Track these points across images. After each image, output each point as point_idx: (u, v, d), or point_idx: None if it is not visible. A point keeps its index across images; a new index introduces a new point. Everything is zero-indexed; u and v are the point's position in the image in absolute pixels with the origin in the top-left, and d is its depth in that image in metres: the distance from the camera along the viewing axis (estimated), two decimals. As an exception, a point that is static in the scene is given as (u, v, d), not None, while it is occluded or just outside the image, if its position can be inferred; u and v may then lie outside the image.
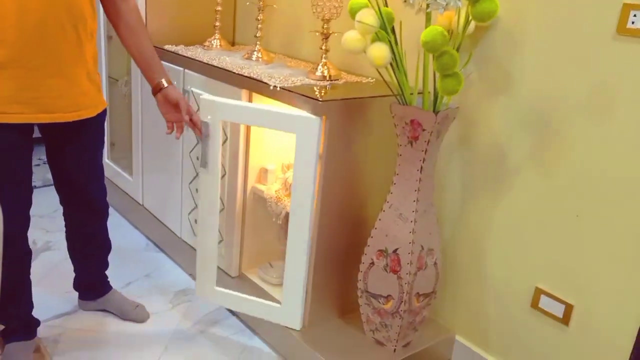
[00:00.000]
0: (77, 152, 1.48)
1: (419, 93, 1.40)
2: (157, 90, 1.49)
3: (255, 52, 1.85)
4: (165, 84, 1.48)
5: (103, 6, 1.47)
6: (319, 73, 1.64)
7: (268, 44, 2.13)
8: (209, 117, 1.53)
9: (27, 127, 1.34)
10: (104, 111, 1.49)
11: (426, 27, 1.29)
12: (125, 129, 2.45)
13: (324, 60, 1.66)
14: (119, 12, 1.44)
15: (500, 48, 1.43)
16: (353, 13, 1.37)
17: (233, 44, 2.29)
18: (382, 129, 1.55)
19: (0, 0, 1.19)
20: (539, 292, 1.43)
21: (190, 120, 1.51)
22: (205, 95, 1.58)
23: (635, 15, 1.19)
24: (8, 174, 1.35)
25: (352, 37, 1.32)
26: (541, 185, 1.41)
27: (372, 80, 1.71)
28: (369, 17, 1.29)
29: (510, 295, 1.51)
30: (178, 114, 1.50)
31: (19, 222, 1.41)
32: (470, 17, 1.22)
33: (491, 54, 1.45)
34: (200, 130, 1.53)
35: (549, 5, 1.32)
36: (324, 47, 1.66)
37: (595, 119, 1.28)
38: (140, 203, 2.30)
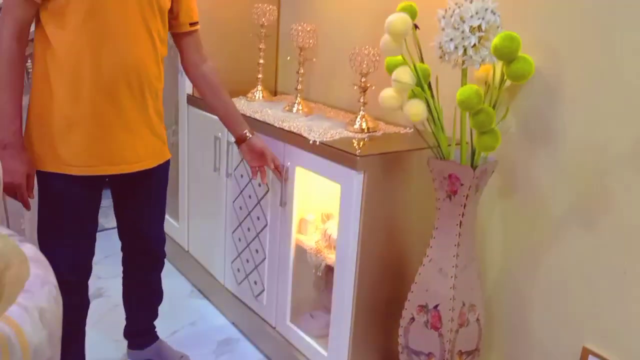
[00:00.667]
0: (140, 202, 1.60)
1: (456, 144, 1.41)
2: (241, 140, 1.62)
3: (295, 105, 1.92)
4: (249, 135, 1.61)
5: (184, 68, 1.61)
6: (357, 126, 1.69)
7: (309, 93, 2.21)
8: (288, 163, 1.67)
9: (95, 179, 1.45)
10: (167, 162, 1.60)
11: (462, 84, 1.32)
12: (172, 176, 2.56)
13: (362, 112, 1.71)
14: (201, 73, 1.60)
15: (538, 100, 1.43)
16: (390, 69, 1.41)
17: (275, 93, 2.38)
18: (421, 181, 1.57)
19: (78, 61, 1.33)
20: (586, 352, 1.38)
21: (274, 166, 1.64)
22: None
23: (678, 69, 1.18)
24: (76, 225, 1.46)
25: (389, 95, 1.36)
26: (587, 239, 1.38)
27: (410, 130, 1.75)
28: (405, 75, 1.33)
29: (556, 354, 1.47)
30: (262, 161, 1.63)
31: (82, 272, 1.51)
32: (505, 77, 1.24)
33: (530, 105, 1.46)
34: (281, 173, 1.67)
35: (589, 56, 1.33)
36: (362, 100, 1.71)
37: (642, 172, 1.26)
38: (186, 249, 2.39)
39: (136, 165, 1.48)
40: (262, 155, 1.62)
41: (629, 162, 1.28)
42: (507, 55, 1.18)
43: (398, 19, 1.29)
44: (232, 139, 1.94)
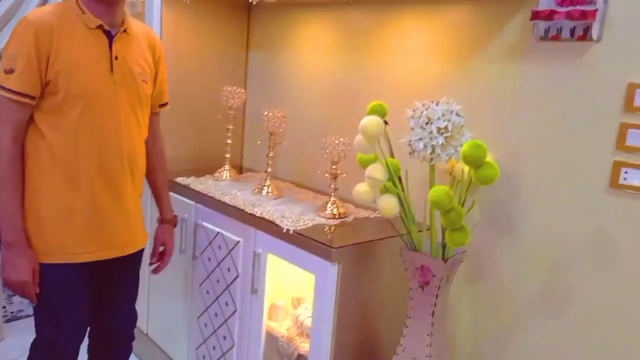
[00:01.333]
0: (121, 282, 1.65)
1: (427, 229, 1.49)
2: (169, 222, 1.75)
3: (265, 187, 1.97)
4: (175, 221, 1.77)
5: None
6: (328, 211, 1.75)
7: (278, 171, 2.27)
8: (260, 249, 1.68)
9: (91, 264, 1.49)
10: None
11: (430, 178, 1.42)
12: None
13: (332, 198, 1.77)
14: (153, 151, 1.68)
15: (501, 193, 1.55)
16: (363, 164, 1.50)
17: (241, 170, 2.43)
18: (394, 267, 1.63)
19: (76, 153, 1.40)
20: None
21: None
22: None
23: (626, 172, 1.31)
24: (69, 311, 1.49)
25: (363, 191, 1.44)
26: (552, 325, 1.46)
27: (379, 215, 1.82)
28: (377, 172, 1.41)
29: None
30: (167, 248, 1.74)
31: (73, 357, 1.53)
32: (473, 179, 1.34)
33: (493, 198, 1.57)
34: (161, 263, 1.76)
35: (544, 155, 1.46)
36: (332, 186, 1.78)
37: (599, 264, 1.37)
38: (145, 332, 2.32)
39: (132, 247, 1.57)
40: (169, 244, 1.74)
41: (587, 255, 1.39)
42: (475, 162, 1.29)
43: (372, 122, 1.38)
44: (200, 221, 1.96)
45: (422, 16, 1.74)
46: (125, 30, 1.47)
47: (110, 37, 1.44)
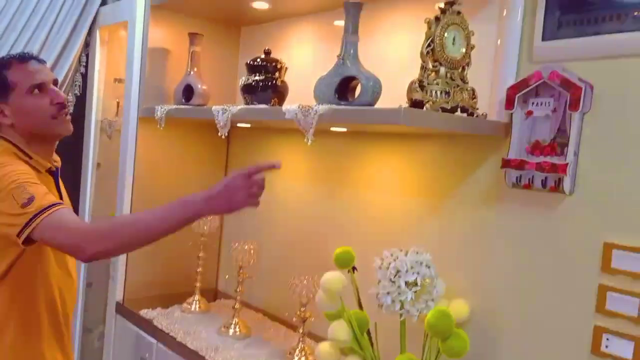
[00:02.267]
0: None
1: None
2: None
3: (232, 326, 1.86)
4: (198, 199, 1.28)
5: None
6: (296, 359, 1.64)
7: (251, 297, 2.16)
8: None
9: None
10: None
11: (401, 333, 1.33)
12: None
13: (300, 345, 1.67)
14: None
15: (476, 340, 1.44)
16: (328, 318, 1.41)
17: (215, 295, 2.33)
18: None
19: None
20: None
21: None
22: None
23: (608, 339, 1.22)
24: None
25: (325, 351, 1.34)
26: None
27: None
28: (341, 331, 1.32)
29: None
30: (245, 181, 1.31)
31: None
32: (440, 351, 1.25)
33: (470, 353, 1.46)
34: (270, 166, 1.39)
35: (521, 310, 1.37)
36: (301, 331, 1.68)
37: None
38: None
39: None
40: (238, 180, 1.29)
41: None
42: (442, 333, 1.20)
43: (333, 278, 1.32)
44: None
45: (396, 151, 1.72)
46: (57, 167, 1.44)
47: (55, 176, 1.41)
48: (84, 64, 2.49)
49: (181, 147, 2.27)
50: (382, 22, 1.73)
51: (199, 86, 2.03)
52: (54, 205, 1.22)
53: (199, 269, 2.12)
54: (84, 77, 2.50)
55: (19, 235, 1.19)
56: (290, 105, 1.47)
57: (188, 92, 2.06)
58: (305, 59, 2.00)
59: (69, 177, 2.53)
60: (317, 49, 1.97)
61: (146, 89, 2.14)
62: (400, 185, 1.70)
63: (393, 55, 1.71)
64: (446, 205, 1.57)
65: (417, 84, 1.32)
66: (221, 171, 2.40)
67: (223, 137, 1.71)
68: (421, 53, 1.33)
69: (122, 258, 2.15)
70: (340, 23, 1.77)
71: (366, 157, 1.81)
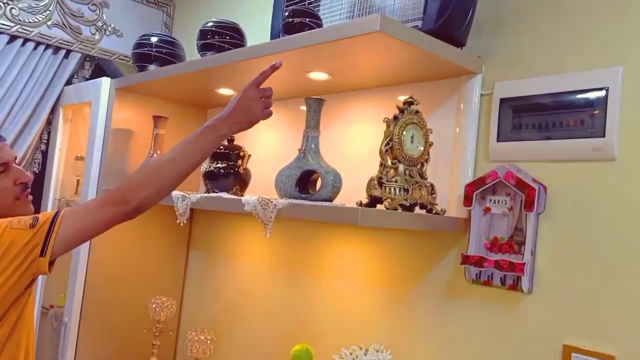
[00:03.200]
0: None
1: None
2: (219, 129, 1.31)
3: None
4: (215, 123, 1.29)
5: None
6: None
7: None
8: None
9: None
10: None
11: None
12: None
13: None
14: None
15: None
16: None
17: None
18: None
19: None
20: None
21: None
22: None
23: None
24: None
25: None
26: None
27: None
28: None
29: None
30: (254, 93, 1.30)
31: None
32: None
33: None
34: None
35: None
36: None
37: None
38: None
39: None
40: (249, 93, 1.29)
41: None
42: None
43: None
44: None
45: (358, 241, 1.72)
46: None
47: None
48: (45, 141, 2.47)
49: (141, 230, 2.22)
50: (344, 113, 1.78)
51: (161, 169, 2.03)
52: (58, 211, 1.20)
53: (153, 359, 2.03)
54: (44, 154, 2.48)
55: (43, 253, 1.15)
56: (249, 197, 1.47)
57: (150, 175, 2.04)
58: (271, 142, 2.03)
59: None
60: (283, 133, 2.00)
61: (107, 169, 2.12)
62: (361, 275, 1.69)
63: (354, 146, 1.74)
64: (408, 298, 1.56)
65: (375, 181, 1.35)
66: (182, 253, 2.35)
67: (181, 224, 1.69)
68: (380, 151, 1.36)
69: (72, 341, 2.04)
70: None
71: (328, 245, 1.81)
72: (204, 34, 1.78)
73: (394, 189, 1.34)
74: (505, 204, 1.39)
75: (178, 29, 2.70)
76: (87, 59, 2.51)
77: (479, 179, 1.41)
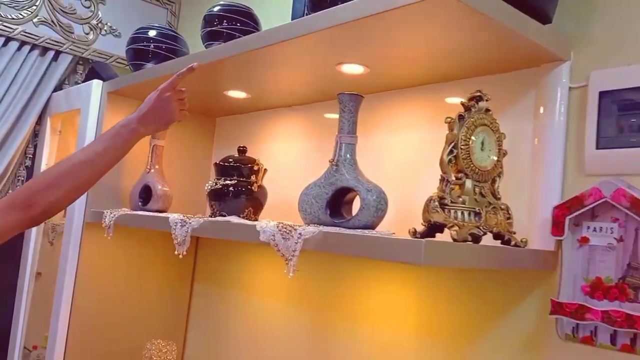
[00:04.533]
0: None
1: None
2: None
3: None
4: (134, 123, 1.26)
5: None
6: None
7: None
8: None
9: None
10: None
11: None
12: None
13: None
14: None
15: None
16: None
17: None
18: None
19: None
20: None
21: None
22: None
23: None
24: None
25: None
26: None
27: None
28: None
29: None
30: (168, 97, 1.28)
31: None
32: None
33: None
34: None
35: None
36: None
37: None
38: None
39: None
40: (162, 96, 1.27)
41: None
42: None
43: None
44: None
45: (405, 277, 1.37)
46: None
47: None
48: (31, 155, 2.18)
49: (136, 260, 1.90)
50: (382, 117, 1.45)
51: (159, 187, 1.71)
52: None
53: (148, 419, 1.68)
54: (30, 170, 2.18)
55: None
56: (266, 222, 1.14)
57: (146, 194, 1.73)
58: (292, 153, 1.70)
59: (4, 287, 2.15)
60: (303, 146, 1.67)
61: (97, 185, 1.80)
62: (406, 323, 1.34)
63: (394, 157, 1.41)
64: (472, 354, 1.20)
65: (436, 202, 1.00)
66: (185, 288, 2.02)
67: (181, 256, 1.37)
68: (441, 161, 1.02)
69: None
70: (332, 116, 1.49)
71: (365, 282, 1.46)
72: (209, 20, 1.47)
73: (462, 212, 1.00)
74: (612, 232, 1.04)
75: (184, 30, 2.40)
76: (80, 61, 2.22)
77: (574, 199, 1.06)
